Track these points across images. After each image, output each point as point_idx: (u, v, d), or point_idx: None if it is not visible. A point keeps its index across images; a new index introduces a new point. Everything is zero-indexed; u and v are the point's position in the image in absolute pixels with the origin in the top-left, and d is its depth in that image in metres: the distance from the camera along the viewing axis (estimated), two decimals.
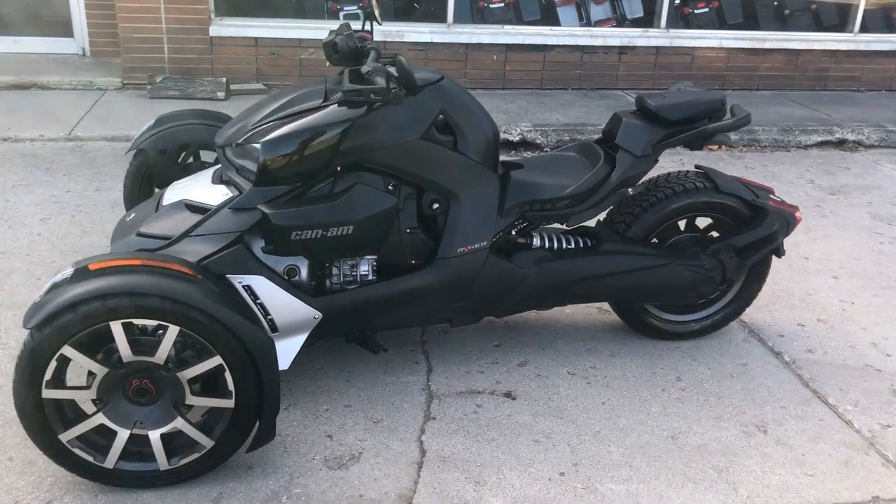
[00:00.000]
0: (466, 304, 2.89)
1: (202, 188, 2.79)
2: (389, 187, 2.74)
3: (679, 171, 3.16)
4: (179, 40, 6.37)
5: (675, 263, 3.03)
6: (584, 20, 7.17)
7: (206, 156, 3.55)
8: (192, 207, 2.73)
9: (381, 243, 2.74)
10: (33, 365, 2.15)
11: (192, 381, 2.29)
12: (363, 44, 2.74)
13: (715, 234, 3.27)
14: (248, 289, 2.62)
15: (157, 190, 3.61)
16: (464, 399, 2.87)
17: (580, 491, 2.45)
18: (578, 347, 3.23)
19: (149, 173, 3.50)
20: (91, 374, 2.24)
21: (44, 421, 2.22)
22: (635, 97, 3.12)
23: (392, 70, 2.44)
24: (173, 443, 2.34)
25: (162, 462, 2.33)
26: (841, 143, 5.99)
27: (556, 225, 3.02)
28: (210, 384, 2.33)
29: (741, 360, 3.20)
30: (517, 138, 5.59)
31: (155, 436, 2.31)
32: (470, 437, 2.66)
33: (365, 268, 2.78)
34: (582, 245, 3.04)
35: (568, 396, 2.91)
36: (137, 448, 2.34)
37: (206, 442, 2.34)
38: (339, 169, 2.70)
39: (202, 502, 2.34)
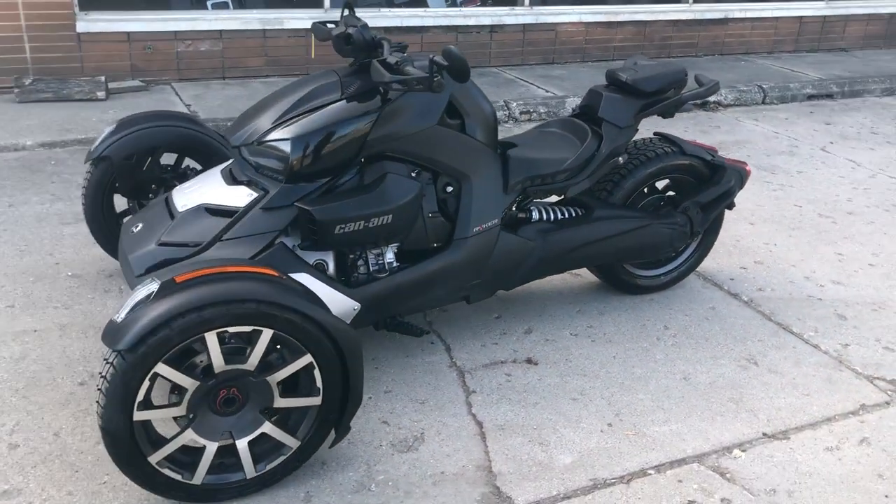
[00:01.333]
0: (483, 281, 3.02)
1: (219, 190, 2.73)
2: (412, 174, 2.81)
3: (646, 139, 3.44)
4: (42, 38, 5.91)
5: (656, 223, 3.31)
6: (450, 1, 7.35)
7: (168, 158, 3.42)
8: (215, 211, 2.67)
9: (411, 229, 2.81)
10: (126, 387, 2.06)
11: (280, 383, 2.28)
12: (376, 36, 2.77)
13: (671, 193, 3.58)
14: None
15: (124, 200, 3.44)
16: (492, 370, 3.00)
17: (633, 437, 2.67)
18: (570, 310, 3.45)
19: (112, 182, 3.32)
20: (178, 390, 2.17)
21: (134, 445, 2.14)
22: (606, 72, 3.35)
23: (438, 59, 2.51)
24: (258, 449, 2.32)
25: (249, 470, 2.30)
26: (703, 105, 6.60)
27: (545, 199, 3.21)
28: (291, 384, 2.32)
29: (708, 304, 3.55)
30: None
31: (242, 444, 2.28)
32: (514, 404, 2.81)
33: (390, 255, 2.83)
34: (574, 214, 3.25)
35: (581, 356, 3.12)
36: (219, 460, 2.29)
37: (293, 443, 2.34)
38: (362, 160, 2.74)
39: (293, 502, 2.34)
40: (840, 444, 2.69)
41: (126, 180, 3.34)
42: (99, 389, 2.08)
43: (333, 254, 2.76)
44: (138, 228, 2.72)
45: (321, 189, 2.68)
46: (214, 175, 2.85)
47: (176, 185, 3.34)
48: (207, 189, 2.76)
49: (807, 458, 2.62)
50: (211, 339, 2.10)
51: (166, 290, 2.09)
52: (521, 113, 6.04)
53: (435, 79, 2.48)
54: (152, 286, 2.11)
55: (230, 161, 2.92)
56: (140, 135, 3.27)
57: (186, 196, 2.76)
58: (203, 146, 3.40)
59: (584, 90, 6.47)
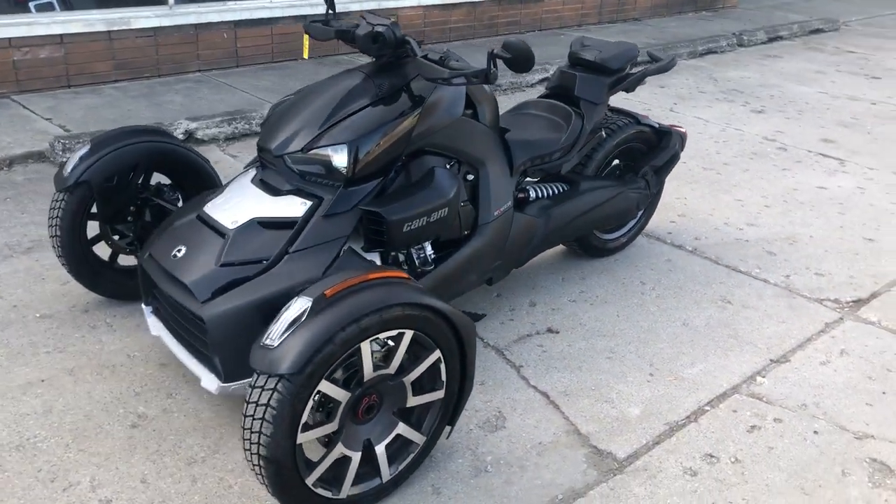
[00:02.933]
0: (503, 261, 3.18)
1: (265, 202, 2.65)
2: (447, 165, 2.90)
3: (605, 114, 3.74)
4: None
5: (626, 189, 3.63)
6: None
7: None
8: (269, 224, 2.60)
9: (455, 220, 2.90)
10: (294, 411, 2.02)
11: (412, 382, 2.31)
12: (402, 34, 2.81)
13: (616, 161, 3.92)
14: None
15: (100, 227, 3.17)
16: (524, 344, 3.18)
17: (675, 382, 2.99)
18: (556, 279, 3.70)
19: (90, 208, 3.07)
20: (328, 405, 2.16)
21: (295, 470, 2.10)
22: (569, 53, 3.60)
23: (499, 51, 2.60)
24: (390, 451, 2.34)
25: (385, 474, 2.33)
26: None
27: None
28: (418, 381, 2.36)
29: (664, 258, 3.95)
30: None
31: (381, 449, 2.30)
32: (563, 371, 3.02)
33: (430, 249, 2.91)
34: (562, 190, 3.49)
35: (590, 318, 3.39)
36: (360, 469, 2.30)
37: (420, 439, 2.39)
38: (404, 157, 2.79)
39: (424, 497, 2.40)
40: (829, 359, 3.18)
41: (107, 205, 3.10)
42: (262, 419, 2.01)
43: (379, 254, 2.79)
44: (182, 252, 2.57)
45: (375, 190, 2.70)
46: (247, 187, 2.75)
47: (155, 203, 3.17)
48: (250, 202, 2.66)
49: (811, 374, 3.07)
50: (365, 348, 2.11)
51: (320, 305, 2.06)
52: None
53: (492, 71, 2.59)
54: (302, 304, 2.07)
55: (253, 171, 2.82)
56: (120, 154, 3.05)
57: (227, 212, 2.65)
58: (181, 160, 3.23)
59: None
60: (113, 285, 3.24)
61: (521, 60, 2.60)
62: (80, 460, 2.47)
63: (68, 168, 3.01)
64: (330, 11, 3.13)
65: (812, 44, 9.13)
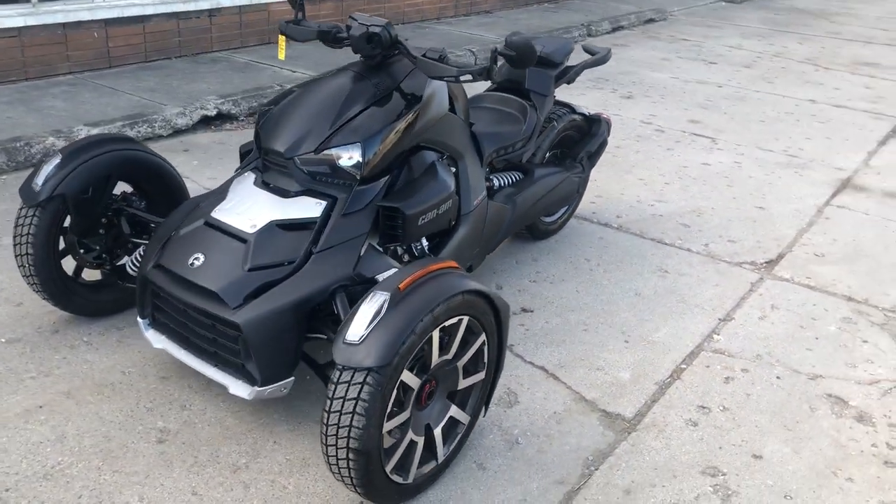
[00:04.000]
0: (480, 248, 3.36)
1: (279, 205, 2.67)
2: (440, 159, 3.03)
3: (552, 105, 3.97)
4: None
5: (570, 175, 3.90)
6: None
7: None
8: (288, 226, 2.63)
9: (453, 211, 3.04)
10: (383, 402, 2.10)
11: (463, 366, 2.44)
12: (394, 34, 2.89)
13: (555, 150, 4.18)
14: None
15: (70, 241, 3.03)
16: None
17: (648, 345, 3.29)
18: (510, 263, 3.91)
19: (62, 223, 2.94)
20: (402, 393, 2.25)
21: (379, 460, 2.18)
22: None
23: (503, 49, 2.74)
24: (443, 432, 2.47)
25: (440, 455, 2.45)
26: None
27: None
28: (465, 365, 2.49)
29: (596, 236, 4.27)
30: (213, 112, 5.51)
31: (438, 431, 2.42)
32: (550, 346, 3.24)
33: (425, 241, 3.04)
34: (518, 178, 3.70)
35: (555, 296, 3.63)
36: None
37: (466, 419, 2.53)
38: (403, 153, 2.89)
39: (472, 473, 2.54)
40: (764, 314, 3.61)
41: (82, 218, 2.97)
42: (352, 412, 2.08)
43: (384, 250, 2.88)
44: (200, 260, 2.55)
45: (385, 186, 2.78)
46: (253, 190, 2.74)
47: (129, 213, 3.08)
48: (263, 205, 2.67)
49: (754, 328, 3.48)
50: (435, 336, 2.22)
51: (397, 299, 2.14)
52: None
53: (495, 68, 2.74)
54: (380, 298, 2.14)
55: (251, 174, 2.81)
56: (94, 164, 2.93)
57: (241, 216, 2.64)
58: (152, 168, 3.15)
59: (326, 65, 6.72)
60: (83, 302, 3.10)
61: (524, 58, 2.77)
62: (120, 481, 2.40)
63: (39, 181, 2.86)
64: (299, 14, 3.15)
65: (650, 33, 9.89)
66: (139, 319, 2.76)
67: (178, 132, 5.31)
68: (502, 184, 3.57)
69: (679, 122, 6.30)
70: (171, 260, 2.59)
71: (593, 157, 4.11)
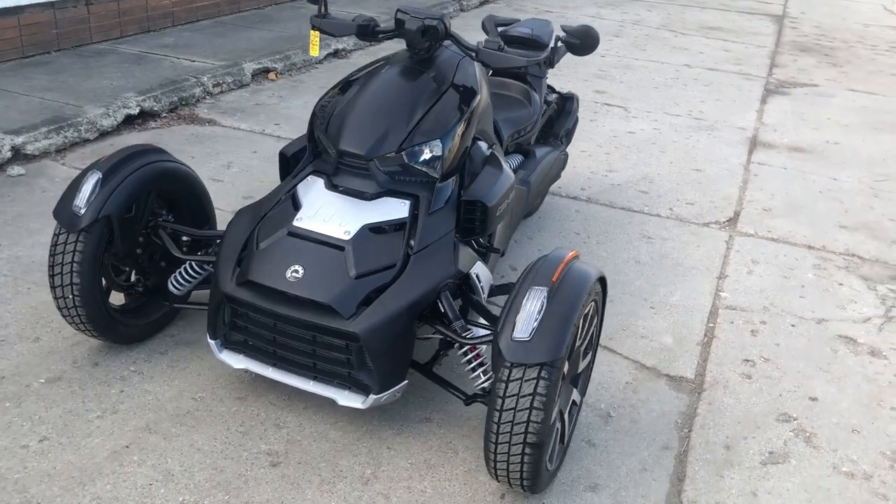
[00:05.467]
0: (510, 231, 3.43)
1: (367, 207, 2.61)
2: (489, 149, 3.06)
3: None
4: None
5: (560, 153, 4.04)
6: None
7: None
8: (379, 229, 2.59)
9: None
10: (555, 394, 2.16)
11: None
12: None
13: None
14: (477, 276, 2.74)
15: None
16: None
17: (672, 309, 3.52)
18: (510, 242, 4.01)
19: (106, 248, 2.72)
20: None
21: (545, 450, 2.24)
22: (500, 31, 3.85)
23: (567, 37, 2.78)
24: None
25: (566, 437, 2.54)
26: (336, 53, 7.13)
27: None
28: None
29: (573, 209, 4.45)
30: (136, 110, 5.14)
31: (566, 415, 2.50)
32: None
33: None
34: (521, 160, 3.78)
35: None
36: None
37: (579, 400, 2.62)
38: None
39: (585, 451, 2.65)
40: (750, 269, 3.94)
41: (125, 240, 2.75)
42: (529, 408, 2.12)
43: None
44: (301, 272, 2.46)
45: (457, 181, 2.79)
46: (329, 194, 2.64)
47: (169, 231, 2.89)
48: (348, 209, 2.59)
49: (749, 282, 3.80)
50: (579, 322, 2.29)
51: (553, 292, 2.19)
52: (213, 86, 5.80)
53: (556, 57, 2.81)
54: (540, 295, 2.18)
55: (315, 178, 2.71)
56: (136, 179, 2.72)
57: (328, 223, 2.56)
58: (184, 179, 2.96)
59: (231, 51, 6.44)
60: (126, 329, 2.88)
61: (587, 44, 2.84)
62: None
63: (80, 203, 2.61)
64: (322, 8, 3.05)
65: (516, 5, 10.16)
66: (210, 341, 2.62)
67: (104, 134, 4.91)
68: (513, 167, 3.64)
69: (587, 94, 6.58)
70: (262, 275, 2.47)
71: (570, 134, 4.26)
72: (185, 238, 2.95)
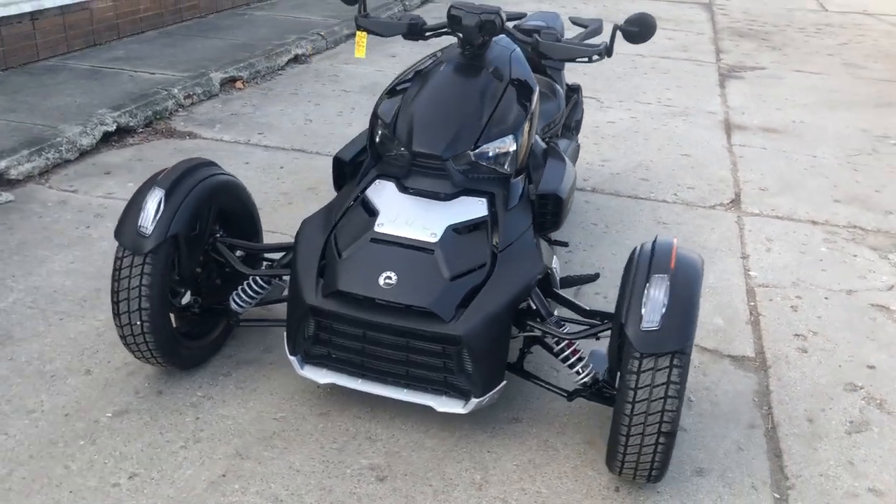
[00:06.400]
0: None
1: (446, 208, 2.55)
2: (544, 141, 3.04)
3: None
4: None
5: (573, 143, 4.05)
6: None
7: None
8: (462, 229, 2.53)
9: None
10: (682, 384, 2.15)
11: None
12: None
13: None
14: (555, 271, 2.72)
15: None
16: (581, 296, 3.48)
17: (714, 288, 3.57)
18: None
19: (173, 266, 2.58)
20: None
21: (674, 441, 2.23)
22: (514, 25, 3.82)
23: (625, 27, 2.77)
24: None
25: None
26: (297, 58, 6.97)
27: None
28: None
29: (581, 200, 4.47)
30: (113, 127, 4.90)
31: None
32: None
33: None
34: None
35: (597, 261, 3.79)
36: None
37: None
38: None
39: (679, 437, 2.66)
40: (768, 247, 4.04)
41: (192, 258, 2.62)
42: (664, 397, 2.11)
43: None
44: (394, 278, 2.38)
45: (526, 176, 2.76)
46: (405, 197, 2.56)
47: (228, 244, 2.77)
48: (426, 212, 2.52)
49: (771, 259, 3.90)
50: None
51: (674, 279, 2.18)
52: (185, 98, 5.59)
53: (613, 46, 2.80)
54: (663, 283, 2.17)
55: (384, 181, 2.63)
56: (198, 194, 2.60)
57: (411, 226, 2.48)
58: (239, 191, 2.84)
59: (187, 61, 6.22)
60: (188, 353, 2.74)
61: (645, 32, 2.83)
62: None
63: (146, 222, 2.47)
64: (362, 8, 2.97)
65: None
66: (291, 357, 2.52)
67: (84, 154, 4.66)
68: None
69: None
70: (352, 284, 2.39)
71: (579, 125, 4.28)
72: (238, 253, 2.83)
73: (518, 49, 2.98)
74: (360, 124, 5.40)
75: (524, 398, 2.76)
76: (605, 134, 5.52)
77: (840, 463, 2.56)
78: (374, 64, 6.99)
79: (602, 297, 3.45)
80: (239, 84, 6.09)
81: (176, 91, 5.50)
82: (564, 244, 3.11)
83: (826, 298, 3.54)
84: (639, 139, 5.46)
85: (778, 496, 2.42)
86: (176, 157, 4.69)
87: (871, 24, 10.06)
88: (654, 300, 2.14)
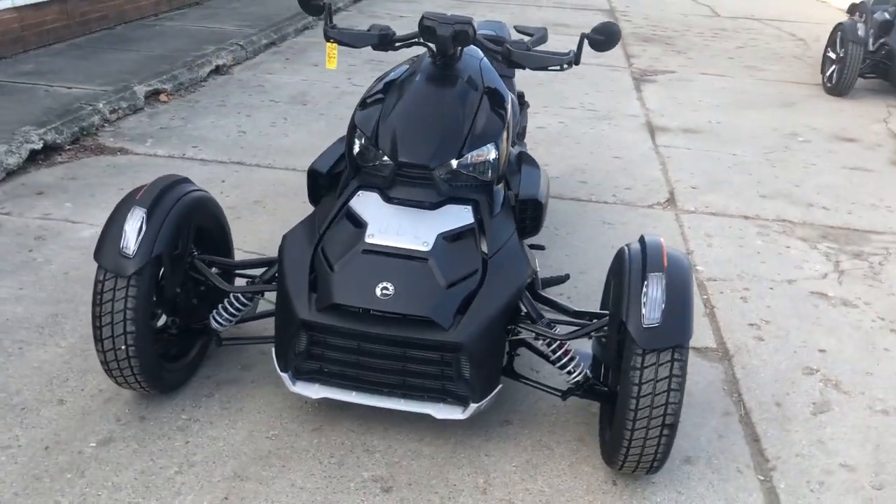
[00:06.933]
0: None
1: (434, 217, 2.58)
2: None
3: None
4: None
5: (525, 148, 4.13)
6: None
7: None
8: (452, 237, 2.57)
9: None
10: (683, 377, 2.24)
11: None
12: None
13: None
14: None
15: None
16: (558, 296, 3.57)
17: None
18: None
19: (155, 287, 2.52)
20: None
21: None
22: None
23: (591, 35, 2.85)
24: None
25: None
26: (218, 69, 6.82)
27: None
28: None
29: None
30: (39, 144, 4.69)
31: None
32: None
33: None
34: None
35: (561, 262, 3.89)
36: None
37: None
38: None
39: None
40: (709, 242, 4.23)
41: (174, 279, 2.55)
42: (667, 390, 2.20)
43: None
44: (391, 289, 2.39)
45: (505, 182, 2.82)
46: (387, 207, 2.57)
47: (207, 262, 2.72)
48: (415, 221, 2.54)
49: (714, 255, 4.08)
50: None
51: (669, 276, 2.28)
52: (111, 112, 5.39)
53: (580, 54, 2.89)
54: (659, 281, 2.25)
55: (368, 192, 2.63)
56: (179, 211, 2.53)
57: (402, 236, 2.49)
58: (214, 208, 2.80)
59: (105, 75, 6.01)
60: (171, 376, 2.67)
61: (611, 40, 2.92)
62: None
63: (129, 243, 2.39)
64: (330, 20, 2.96)
65: (367, 12, 10.16)
66: (282, 374, 2.50)
67: (10, 174, 4.44)
68: None
69: None
70: (348, 296, 2.39)
71: (524, 131, 4.37)
72: (214, 270, 2.77)
73: (485, 58, 3.03)
74: (297, 136, 5.35)
75: (511, 401, 2.81)
76: (539, 139, 5.65)
77: (811, 442, 2.72)
78: (298, 73, 6.93)
79: (566, 297, 3.53)
80: (163, 97, 5.91)
81: (101, 106, 5.30)
82: (541, 248, 3.18)
83: (771, 289, 3.74)
84: (570, 143, 5.61)
85: (762, 478, 2.55)
86: (111, 175, 4.53)
87: (760, 29, 10.64)
88: (653, 298, 2.23)
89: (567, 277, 3.21)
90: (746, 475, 2.55)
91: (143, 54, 6.88)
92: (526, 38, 3.94)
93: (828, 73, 7.54)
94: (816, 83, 7.76)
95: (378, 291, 2.37)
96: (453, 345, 2.36)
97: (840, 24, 7.37)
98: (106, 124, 5.30)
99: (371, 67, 7.23)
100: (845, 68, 7.12)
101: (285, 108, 5.93)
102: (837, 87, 7.29)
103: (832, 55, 7.48)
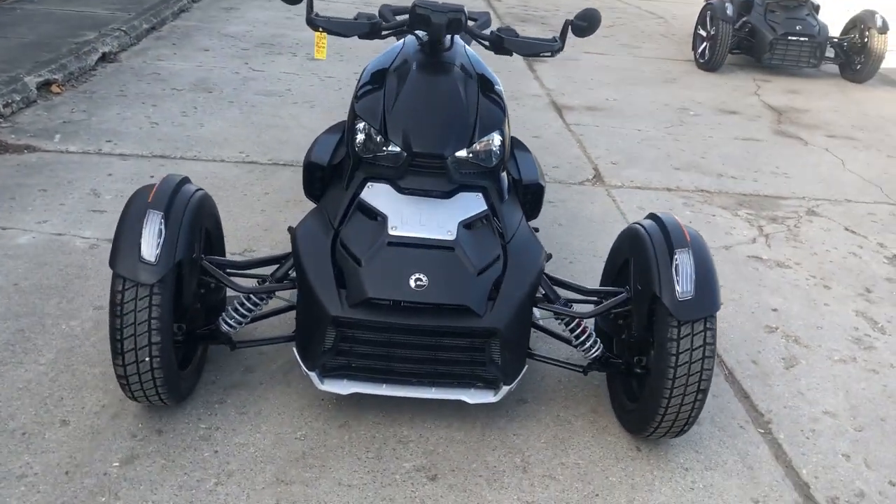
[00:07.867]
0: None
1: (450, 205, 2.60)
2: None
3: None
4: None
5: None
6: None
7: None
8: (471, 224, 2.60)
9: None
10: (714, 344, 2.40)
11: None
12: None
13: None
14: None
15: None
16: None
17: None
18: None
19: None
20: None
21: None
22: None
23: (575, 21, 2.92)
24: None
25: None
26: (104, 56, 6.40)
27: None
28: None
29: None
30: None
31: None
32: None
33: None
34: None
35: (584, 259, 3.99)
36: None
37: None
38: None
39: None
40: (643, 215, 4.47)
41: (191, 283, 2.44)
42: (702, 358, 2.35)
43: None
44: (425, 279, 2.41)
45: (506, 167, 2.87)
46: (403, 199, 2.57)
47: (209, 260, 2.64)
48: (434, 211, 2.55)
49: None
50: None
51: (692, 250, 2.42)
52: (4, 105, 4.96)
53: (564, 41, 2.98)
54: (686, 257, 2.39)
55: (379, 184, 2.62)
56: (192, 212, 2.42)
57: (425, 226, 2.50)
58: (213, 206, 2.68)
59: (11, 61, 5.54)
60: (186, 384, 2.56)
61: (593, 26, 3.00)
62: None
63: (149, 250, 2.26)
64: (311, 9, 2.89)
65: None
66: (309, 373, 2.46)
67: None
68: None
69: None
70: (381, 290, 2.38)
71: None
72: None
73: (468, 46, 3.06)
74: (213, 125, 5.14)
75: (522, 378, 2.87)
76: None
77: (793, 394, 2.97)
78: (191, 59, 6.62)
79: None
80: (55, 87, 5.50)
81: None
82: (535, 230, 3.25)
83: (713, 255, 4.00)
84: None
85: (762, 431, 2.77)
86: (25, 175, 4.19)
87: (623, 8, 11.17)
88: (684, 272, 2.36)
89: (550, 256, 3.30)
90: (748, 430, 2.76)
91: (15, 41, 6.35)
92: (470, 23, 4.00)
93: (699, 50, 8.04)
94: (688, 59, 8.26)
95: (412, 283, 2.37)
96: (489, 331, 2.41)
97: (709, 3, 7.87)
98: (1, 119, 4.87)
99: (265, 51, 7.02)
100: (717, 45, 7.62)
101: (191, 96, 5.67)
102: (710, 63, 7.80)
103: (703, 33, 7.98)
